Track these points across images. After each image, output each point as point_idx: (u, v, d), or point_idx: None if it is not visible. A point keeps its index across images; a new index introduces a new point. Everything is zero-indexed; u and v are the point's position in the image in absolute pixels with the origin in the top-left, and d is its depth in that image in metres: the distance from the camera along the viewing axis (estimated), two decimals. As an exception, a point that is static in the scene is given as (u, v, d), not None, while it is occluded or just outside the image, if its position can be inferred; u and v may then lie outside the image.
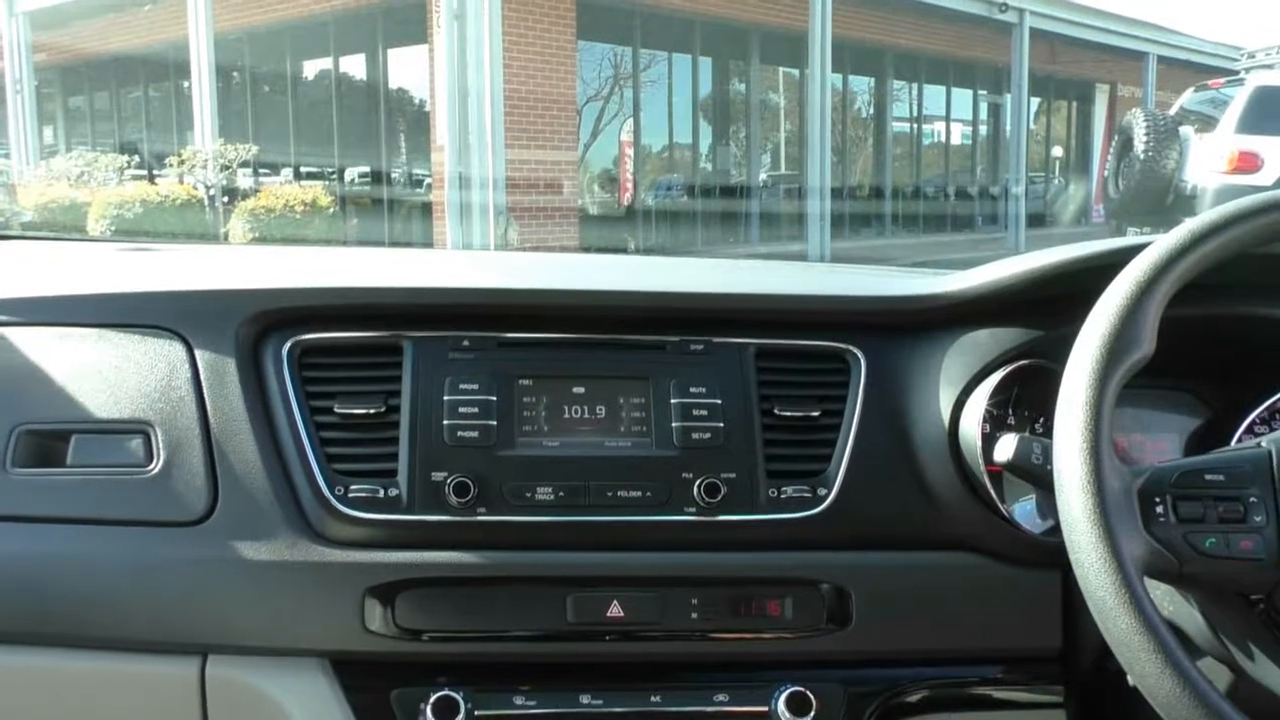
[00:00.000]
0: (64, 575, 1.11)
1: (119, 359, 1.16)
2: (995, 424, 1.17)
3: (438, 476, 1.12)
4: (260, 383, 1.16)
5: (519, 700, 1.13)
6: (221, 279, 1.26)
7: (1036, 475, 1.01)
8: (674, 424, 1.17)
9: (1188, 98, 11.03)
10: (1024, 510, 1.16)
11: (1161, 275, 0.93)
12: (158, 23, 14.18)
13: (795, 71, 15.33)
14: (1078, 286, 1.10)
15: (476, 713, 1.11)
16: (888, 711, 1.19)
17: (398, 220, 13.26)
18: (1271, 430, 1.25)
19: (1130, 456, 1.32)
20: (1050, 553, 1.06)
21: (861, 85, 17.07)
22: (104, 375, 1.16)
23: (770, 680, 1.16)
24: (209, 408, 1.14)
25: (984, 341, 1.22)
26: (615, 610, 1.13)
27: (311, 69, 14.78)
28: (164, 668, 1.12)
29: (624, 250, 12.90)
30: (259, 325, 1.18)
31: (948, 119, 18.72)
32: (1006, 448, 1.03)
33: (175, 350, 1.17)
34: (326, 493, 1.12)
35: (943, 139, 18.92)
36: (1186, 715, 0.82)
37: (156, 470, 1.13)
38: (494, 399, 1.15)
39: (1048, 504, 1.06)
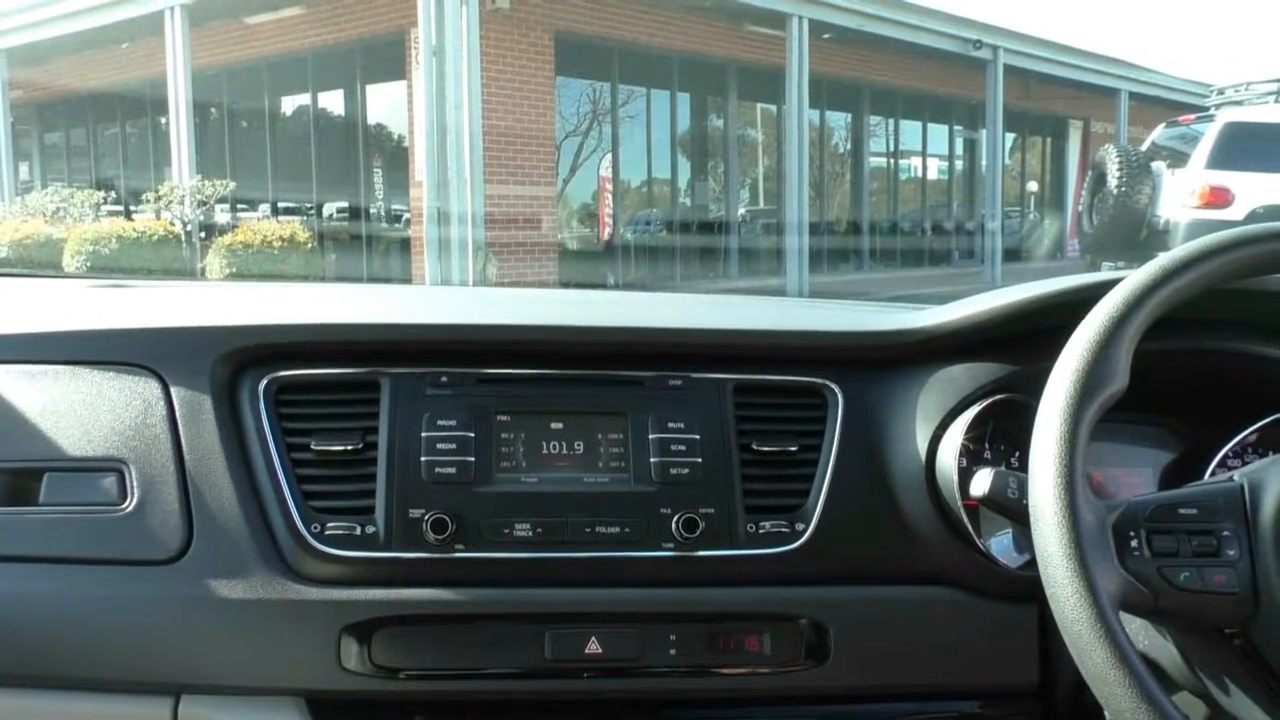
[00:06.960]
0: (36, 615, 1.10)
1: (93, 396, 1.16)
2: (971, 458, 1.17)
3: (415, 513, 1.11)
4: (236, 420, 1.15)
5: None
6: (198, 316, 1.25)
7: (1012, 509, 1.01)
8: (652, 459, 1.17)
9: (1159, 133, 11.15)
10: (1000, 544, 1.16)
11: (1134, 310, 0.94)
12: (135, 59, 14.18)
13: (773, 107, 15.43)
14: (1052, 321, 1.11)
15: None
16: None
17: (376, 256, 13.25)
18: (1244, 464, 1.25)
19: (1105, 490, 1.32)
20: (1027, 587, 1.06)
21: (839, 120, 17.19)
22: (78, 413, 1.15)
23: (748, 716, 1.15)
24: (184, 445, 1.14)
25: (960, 376, 1.23)
26: (593, 647, 1.13)
27: (290, 105, 14.79)
28: (137, 708, 1.10)
29: (603, 285, 12.92)
30: (235, 362, 1.18)
31: (924, 154, 18.85)
32: (982, 482, 1.02)
33: (150, 388, 1.16)
34: (303, 530, 1.11)
35: (919, 174, 19.05)
36: None
37: (130, 508, 1.12)
38: (472, 435, 1.15)
39: (1024, 538, 1.07)
